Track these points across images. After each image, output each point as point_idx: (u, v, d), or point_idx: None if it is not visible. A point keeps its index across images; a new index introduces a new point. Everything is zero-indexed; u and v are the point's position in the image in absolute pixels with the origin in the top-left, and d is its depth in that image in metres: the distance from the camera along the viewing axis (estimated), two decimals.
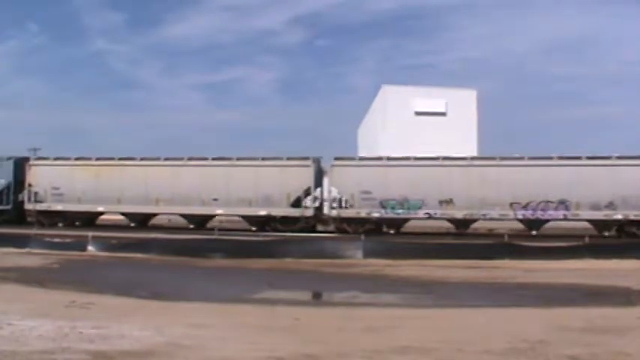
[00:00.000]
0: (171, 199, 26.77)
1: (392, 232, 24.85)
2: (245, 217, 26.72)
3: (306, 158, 26.23)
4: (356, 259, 19.32)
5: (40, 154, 46.51)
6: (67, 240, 21.87)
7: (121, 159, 28.37)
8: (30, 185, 28.43)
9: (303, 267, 18.05)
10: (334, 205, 25.21)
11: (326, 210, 25.71)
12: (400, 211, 24.91)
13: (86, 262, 19.26)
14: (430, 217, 24.79)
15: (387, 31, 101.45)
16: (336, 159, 26.16)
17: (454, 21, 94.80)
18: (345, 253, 19.76)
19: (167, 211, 27.83)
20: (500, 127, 63.29)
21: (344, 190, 25.22)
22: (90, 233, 21.86)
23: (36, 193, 28.17)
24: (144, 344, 7.22)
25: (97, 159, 28.67)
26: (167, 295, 12.40)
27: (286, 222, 25.66)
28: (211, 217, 27.43)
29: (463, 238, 23.02)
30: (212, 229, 25.72)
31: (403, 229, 25.43)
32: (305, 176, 25.76)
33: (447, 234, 24.84)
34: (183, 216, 27.42)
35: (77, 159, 28.91)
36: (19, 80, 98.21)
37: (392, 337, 7.90)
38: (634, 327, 8.68)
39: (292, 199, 25.64)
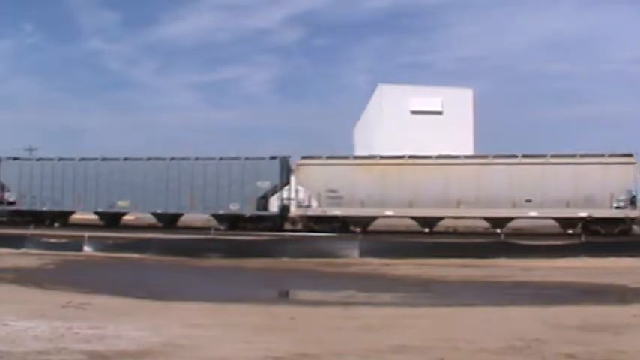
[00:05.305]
0: (475, 201, 24.74)
1: None
2: (559, 220, 24.85)
3: (630, 155, 24.37)
4: (353, 258, 19.31)
5: (36, 154, 43.77)
6: (64, 240, 21.83)
7: (412, 157, 25.94)
8: (300, 187, 25.94)
9: (300, 266, 18.04)
10: None
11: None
12: None
13: (82, 262, 19.21)
14: None
15: (384, 30, 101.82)
16: None
17: (450, 19, 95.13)
18: (342, 252, 19.73)
19: (468, 215, 25.58)
20: (496, 125, 63.50)
21: None
22: (86, 233, 21.84)
23: (308, 197, 25.62)
24: (140, 344, 7.20)
25: (382, 157, 26.49)
26: (164, 295, 12.36)
27: (605, 224, 23.83)
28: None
29: (460, 237, 23.03)
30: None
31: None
32: (627, 175, 24.12)
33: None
34: (486, 219, 25.19)
35: (356, 157, 26.44)
36: (14, 80, 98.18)
37: (388, 335, 7.90)
38: (630, 325, 8.70)
39: (615, 199, 23.97)
